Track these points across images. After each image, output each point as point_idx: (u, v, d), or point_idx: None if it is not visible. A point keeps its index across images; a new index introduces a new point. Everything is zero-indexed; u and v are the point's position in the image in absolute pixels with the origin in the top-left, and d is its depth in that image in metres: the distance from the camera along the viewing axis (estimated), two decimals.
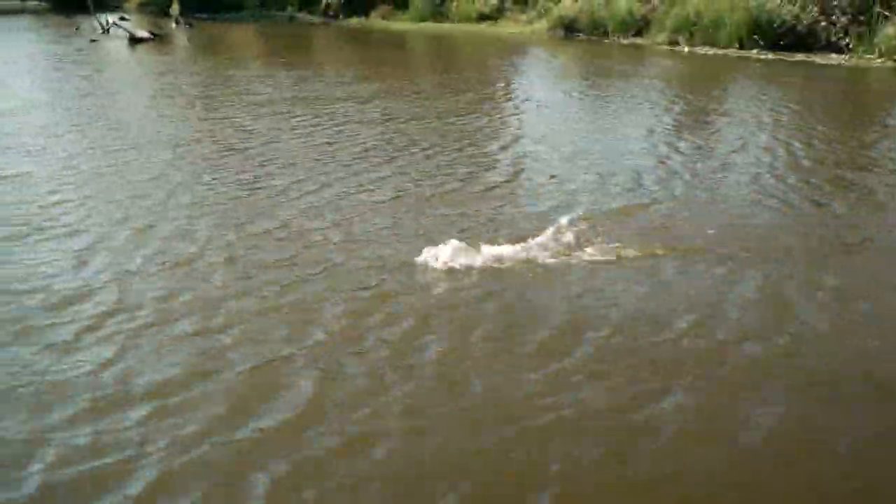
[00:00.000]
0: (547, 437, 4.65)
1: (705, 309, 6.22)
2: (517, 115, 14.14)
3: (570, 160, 10.71)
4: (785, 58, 20.47)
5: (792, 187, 9.52)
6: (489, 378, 5.26)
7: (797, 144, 11.64)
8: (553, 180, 9.72)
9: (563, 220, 7.91)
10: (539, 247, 7.25)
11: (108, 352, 5.53)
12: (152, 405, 4.92)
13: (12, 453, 4.50)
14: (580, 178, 9.78)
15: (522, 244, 7.31)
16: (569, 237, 7.48)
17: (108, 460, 4.42)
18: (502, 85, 17.41)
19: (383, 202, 8.83)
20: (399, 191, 9.26)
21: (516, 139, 12.07)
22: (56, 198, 8.98)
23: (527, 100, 15.43)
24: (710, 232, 7.87)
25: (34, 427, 4.72)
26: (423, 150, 11.20)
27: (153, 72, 20.18)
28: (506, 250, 7.16)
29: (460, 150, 11.28)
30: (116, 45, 24.77)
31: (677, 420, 4.83)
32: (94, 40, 25.63)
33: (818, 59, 20.36)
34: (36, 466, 4.37)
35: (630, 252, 7.23)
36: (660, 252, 7.28)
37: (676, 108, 14.53)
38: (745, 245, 7.53)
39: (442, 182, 9.63)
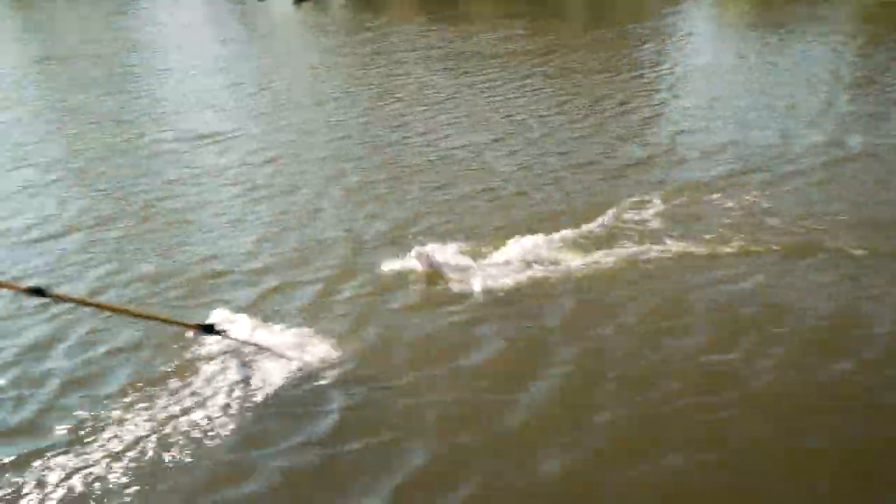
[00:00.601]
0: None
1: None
2: (691, 72, 13.65)
3: (749, 125, 10.27)
4: None
5: None
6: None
7: None
8: (734, 147, 9.37)
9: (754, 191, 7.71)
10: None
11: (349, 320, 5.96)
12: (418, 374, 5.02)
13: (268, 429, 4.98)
14: (761, 146, 9.34)
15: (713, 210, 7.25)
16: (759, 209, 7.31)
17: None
18: (666, 39, 16.80)
19: (599, 166, 8.79)
20: (602, 154, 9.19)
21: (693, 102, 11.71)
22: (263, 157, 9.51)
23: (696, 55, 14.87)
24: None
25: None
26: (608, 108, 11.11)
27: (323, 30, 20.96)
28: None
29: (650, 107, 11.11)
30: (282, 5, 25.89)
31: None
32: (260, 0, 26.91)
33: None
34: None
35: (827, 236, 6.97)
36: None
37: (864, 70, 13.49)
38: None
39: (643, 142, 9.57)
